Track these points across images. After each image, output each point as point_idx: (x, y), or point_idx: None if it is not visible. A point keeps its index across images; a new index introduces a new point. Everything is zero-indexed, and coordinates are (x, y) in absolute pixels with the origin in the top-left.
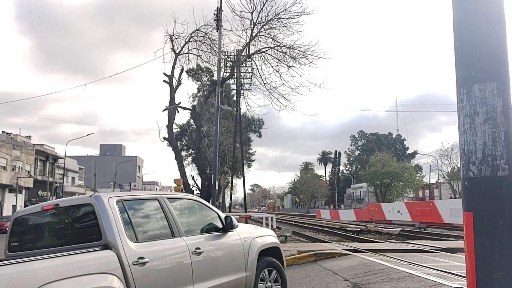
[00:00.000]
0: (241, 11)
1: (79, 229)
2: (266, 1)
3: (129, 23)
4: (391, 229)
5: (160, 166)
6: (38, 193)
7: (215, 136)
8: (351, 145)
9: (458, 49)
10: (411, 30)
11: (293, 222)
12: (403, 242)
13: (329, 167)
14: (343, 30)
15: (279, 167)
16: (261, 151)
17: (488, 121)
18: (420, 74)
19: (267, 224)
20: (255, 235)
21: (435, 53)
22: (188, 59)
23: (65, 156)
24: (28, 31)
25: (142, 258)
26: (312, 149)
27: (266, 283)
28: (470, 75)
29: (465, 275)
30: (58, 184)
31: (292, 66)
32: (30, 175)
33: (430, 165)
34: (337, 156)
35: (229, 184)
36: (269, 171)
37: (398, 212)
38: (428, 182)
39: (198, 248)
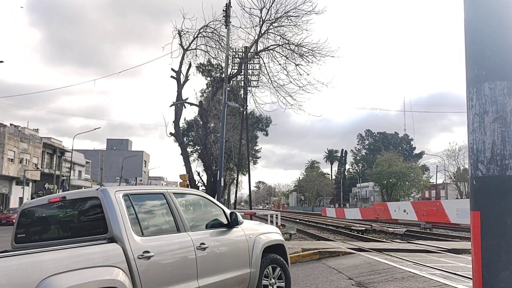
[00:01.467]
0: (250, 8)
1: (85, 222)
2: None
3: (140, 16)
4: (396, 229)
5: (166, 161)
6: (45, 186)
7: (221, 132)
8: (358, 144)
9: (469, 48)
10: (425, 28)
11: (297, 220)
12: (408, 242)
13: (335, 166)
14: (354, 28)
15: (286, 164)
16: (268, 148)
17: (498, 120)
18: (434, 73)
19: (271, 222)
20: (260, 232)
21: (449, 52)
22: (196, 55)
23: (72, 149)
24: (39, 23)
25: (147, 252)
26: (320, 147)
27: (270, 279)
28: (480, 74)
29: (470, 276)
30: (64, 178)
31: (300, 64)
32: (37, 168)
33: (437, 166)
34: (343, 154)
35: (235, 181)
36: (276, 168)
37: (404, 211)
38: (435, 183)
39: (203, 244)
